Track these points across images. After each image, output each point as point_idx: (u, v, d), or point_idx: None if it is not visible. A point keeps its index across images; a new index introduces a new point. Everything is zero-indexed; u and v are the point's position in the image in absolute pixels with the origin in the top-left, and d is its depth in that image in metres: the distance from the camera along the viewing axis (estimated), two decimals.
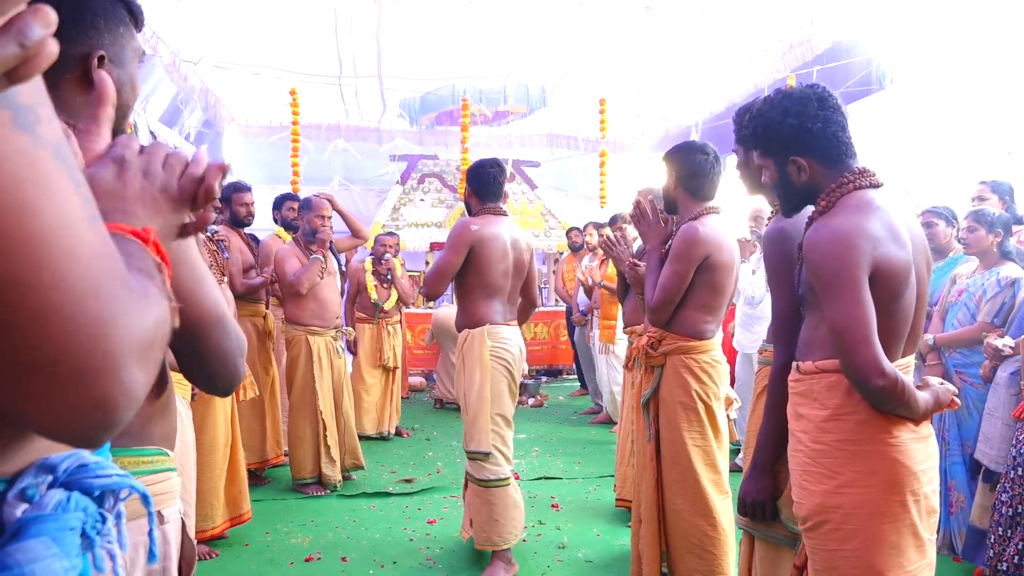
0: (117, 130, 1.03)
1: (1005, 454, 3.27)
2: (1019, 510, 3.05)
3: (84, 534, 0.70)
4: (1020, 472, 3.08)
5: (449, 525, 4.32)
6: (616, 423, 6.50)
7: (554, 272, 8.70)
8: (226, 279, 4.23)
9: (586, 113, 10.31)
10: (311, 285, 4.78)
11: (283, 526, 4.31)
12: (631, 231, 5.82)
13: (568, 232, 8.26)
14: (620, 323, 6.06)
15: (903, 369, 1.84)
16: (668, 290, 2.87)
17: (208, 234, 4.24)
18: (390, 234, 6.90)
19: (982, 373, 3.60)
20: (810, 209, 1.95)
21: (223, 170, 0.91)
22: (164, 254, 0.78)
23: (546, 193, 10.53)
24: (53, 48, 0.51)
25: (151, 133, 6.74)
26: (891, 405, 1.72)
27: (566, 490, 4.99)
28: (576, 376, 8.99)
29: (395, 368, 6.57)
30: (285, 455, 5.13)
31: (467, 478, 3.71)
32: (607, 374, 6.61)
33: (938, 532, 3.64)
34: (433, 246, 9.51)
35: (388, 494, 4.93)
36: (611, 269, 6.08)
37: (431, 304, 8.99)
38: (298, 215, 5.05)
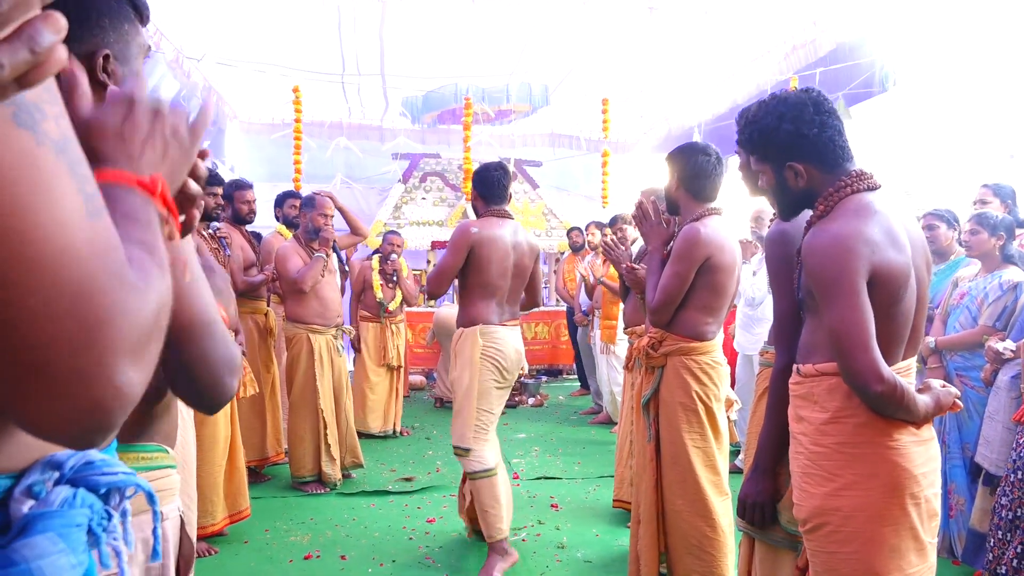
0: None
1: (1005, 457, 3.27)
2: (1019, 514, 3.05)
3: (90, 531, 0.70)
4: (1020, 476, 3.08)
5: (449, 524, 4.32)
6: (616, 423, 6.51)
7: (555, 272, 8.71)
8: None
9: (588, 113, 10.32)
10: (314, 283, 4.78)
11: (282, 524, 4.31)
12: (632, 232, 5.82)
13: (569, 232, 8.26)
14: (621, 323, 6.06)
15: (904, 372, 1.84)
16: (669, 291, 2.87)
17: (211, 231, 4.24)
18: (397, 234, 6.89)
19: (983, 376, 3.60)
20: (810, 212, 1.94)
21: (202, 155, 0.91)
22: (171, 204, 0.78)
23: (548, 193, 10.53)
24: (62, 53, 0.51)
25: None
26: (891, 410, 1.72)
27: (566, 490, 4.99)
28: (576, 376, 8.99)
29: (399, 367, 6.58)
30: (285, 453, 5.13)
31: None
32: (607, 374, 6.61)
33: (938, 535, 3.65)
34: (434, 245, 9.51)
35: (388, 492, 4.94)
36: (613, 268, 6.08)
37: (432, 303, 8.99)
38: (299, 213, 5.04)
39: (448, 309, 7.43)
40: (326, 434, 4.83)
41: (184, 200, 0.87)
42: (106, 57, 1.01)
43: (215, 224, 4.30)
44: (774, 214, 2.46)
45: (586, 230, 7.57)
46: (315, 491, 4.86)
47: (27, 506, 0.67)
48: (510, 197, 3.90)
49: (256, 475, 5.00)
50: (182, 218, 0.88)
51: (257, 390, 4.40)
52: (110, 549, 0.73)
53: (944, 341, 3.83)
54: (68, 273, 0.55)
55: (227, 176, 5.52)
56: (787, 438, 1.97)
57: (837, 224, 1.77)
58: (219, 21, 7.21)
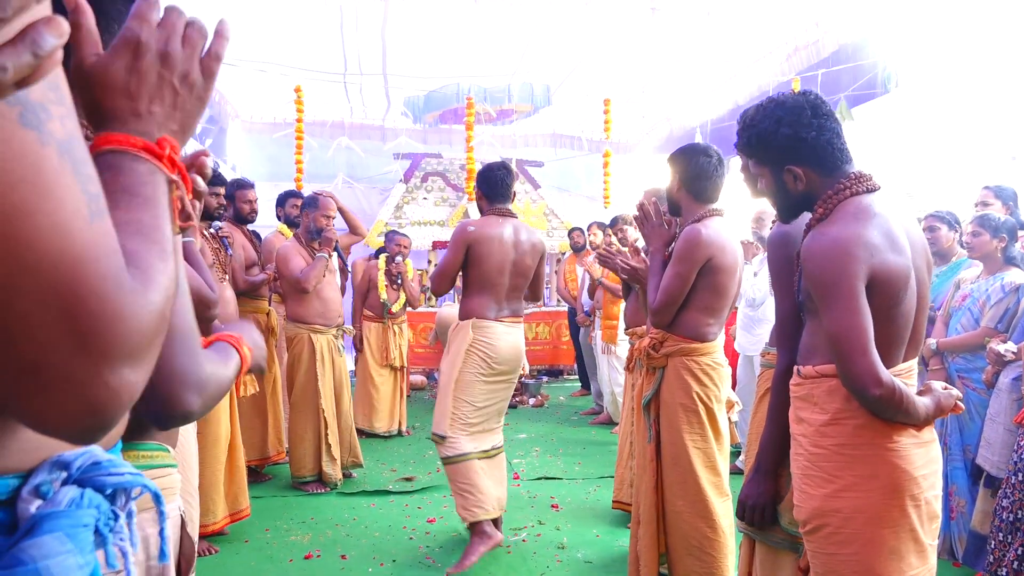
0: None
1: (1006, 459, 3.27)
2: (1020, 516, 3.05)
3: (97, 531, 0.70)
4: (1021, 478, 3.08)
5: (449, 523, 4.32)
6: (617, 424, 6.51)
7: (556, 272, 8.71)
8: (227, 276, 4.23)
9: (590, 113, 10.32)
10: (316, 283, 4.78)
11: (283, 523, 4.32)
12: (632, 232, 5.83)
13: (570, 232, 8.26)
14: (622, 324, 6.06)
15: (905, 374, 1.84)
16: (670, 292, 2.87)
17: (212, 231, 4.24)
18: (404, 235, 6.89)
19: (984, 378, 3.60)
20: (810, 214, 1.95)
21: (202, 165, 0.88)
22: (182, 167, 0.75)
23: (549, 193, 10.53)
24: (59, 55, 0.52)
25: None
26: (890, 413, 1.73)
27: (566, 490, 4.99)
28: (577, 376, 8.99)
29: (402, 367, 6.59)
30: (286, 452, 5.13)
31: None
32: (608, 375, 6.61)
33: (939, 537, 3.65)
34: (435, 245, 9.51)
35: (388, 492, 4.94)
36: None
37: (433, 303, 9.00)
38: (301, 212, 5.03)
39: (450, 308, 7.43)
40: (327, 434, 4.83)
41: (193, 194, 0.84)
42: None
43: (217, 224, 4.30)
44: (776, 215, 2.47)
45: (587, 230, 7.57)
46: (315, 491, 4.86)
47: (34, 506, 0.67)
48: (514, 196, 3.97)
49: (256, 474, 5.00)
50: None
51: (257, 389, 4.40)
52: (116, 549, 0.73)
53: (946, 343, 3.83)
54: (64, 277, 0.55)
55: (229, 175, 5.52)
56: (788, 440, 1.97)
57: (836, 227, 1.77)
58: (220, 19, 7.21)
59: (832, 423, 1.80)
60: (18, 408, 0.58)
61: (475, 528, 3.75)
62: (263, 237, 5.47)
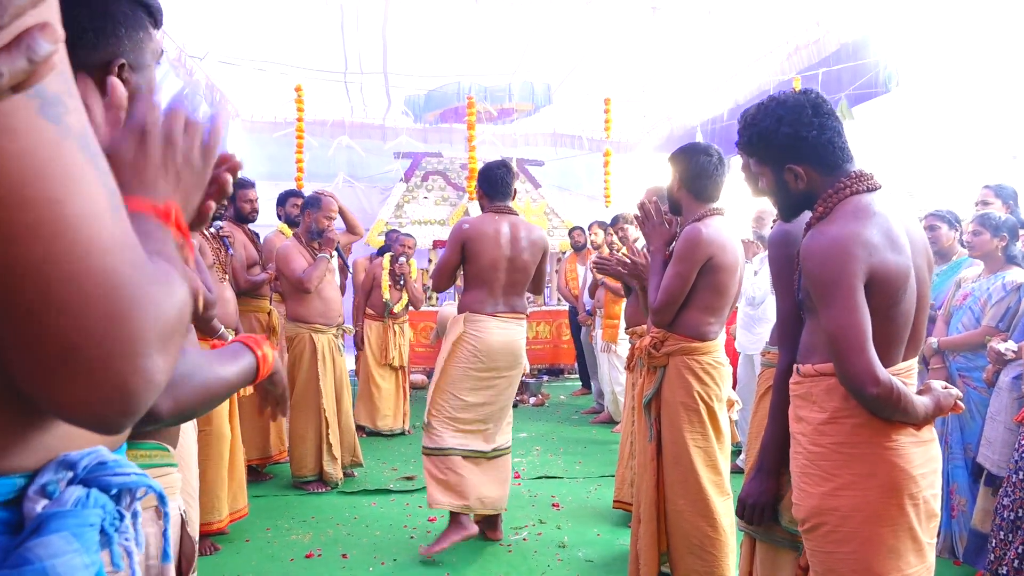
0: None
1: (1007, 458, 3.27)
2: (1021, 514, 3.05)
3: (103, 531, 0.71)
4: (1022, 476, 3.08)
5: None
6: (617, 423, 6.52)
7: (556, 271, 8.71)
8: (227, 276, 4.23)
9: (591, 112, 10.31)
10: (318, 283, 4.79)
11: (284, 522, 4.32)
12: (633, 231, 5.83)
13: (571, 231, 8.26)
14: (623, 323, 6.07)
15: (905, 373, 1.84)
16: (671, 291, 2.88)
17: (213, 230, 4.24)
18: (410, 236, 6.89)
19: (985, 377, 3.60)
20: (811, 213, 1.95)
21: (234, 168, 0.92)
22: (185, 231, 0.80)
23: (550, 192, 10.53)
24: (54, 60, 0.53)
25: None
26: (887, 412, 1.73)
27: (567, 489, 5.00)
28: (578, 375, 8.99)
29: (402, 367, 6.59)
30: (287, 451, 5.13)
31: None
32: (609, 374, 6.62)
33: (939, 536, 3.66)
34: (436, 244, 9.52)
35: (389, 491, 4.94)
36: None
37: (434, 301, 9.00)
38: (302, 212, 5.02)
39: (450, 307, 7.44)
40: (328, 433, 4.84)
41: (200, 218, 0.89)
42: (121, 66, 1.02)
43: (217, 223, 4.30)
44: (776, 215, 2.47)
45: (588, 230, 7.58)
46: (316, 490, 4.87)
47: (40, 505, 0.67)
48: (515, 194, 4.03)
49: (257, 474, 5.01)
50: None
51: None
52: (121, 549, 0.73)
53: (947, 342, 3.83)
54: (96, 263, 0.57)
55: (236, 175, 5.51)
56: (789, 439, 1.97)
57: (835, 226, 1.77)
58: (221, 20, 7.21)
59: (831, 422, 1.80)
60: (49, 396, 0.59)
61: (452, 517, 3.84)
62: (263, 236, 5.46)
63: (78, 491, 0.70)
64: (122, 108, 0.85)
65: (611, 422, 6.79)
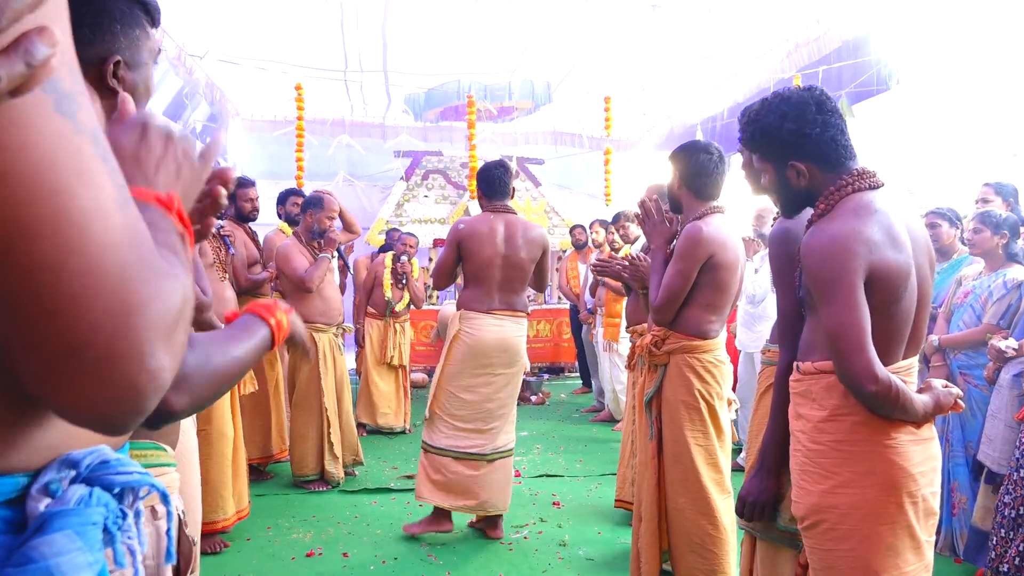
0: None
1: (1008, 456, 3.28)
2: (1021, 512, 3.05)
3: (106, 529, 0.71)
4: (1023, 474, 3.08)
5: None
6: (618, 421, 6.52)
7: (557, 270, 8.71)
8: (228, 275, 4.22)
9: (591, 110, 10.31)
10: (320, 283, 4.79)
11: (284, 521, 4.32)
12: (634, 229, 5.83)
13: (572, 230, 8.26)
14: (624, 321, 6.07)
15: (905, 371, 1.84)
16: (672, 289, 2.88)
17: (214, 230, 4.24)
18: (412, 235, 6.89)
19: (986, 375, 3.61)
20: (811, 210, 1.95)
21: (226, 181, 0.93)
22: (187, 222, 0.80)
23: (550, 191, 10.52)
24: (53, 64, 0.53)
25: None
26: (886, 409, 1.73)
27: (567, 488, 5.00)
28: (578, 374, 8.99)
29: (403, 366, 6.60)
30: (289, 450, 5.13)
31: None
32: (610, 372, 6.62)
33: (940, 533, 3.66)
34: (436, 242, 9.51)
35: (390, 490, 4.94)
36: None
37: (434, 300, 9.00)
38: (303, 211, 5.01)
39: (451, 306, 7.42)
40: (329, 433, 4.84)
41: (202, 233, 0.92)
42: (117, 63, 1.02)
43: (218, 222, 4.30)
44: (777, 212, 2.47)
45: (590, 228, 7.58)
46: (317, 489, 4.87)
47: (43, 504, 0.67)
48: (513, 192, 4.08)
49: (259, 472, 5.01)
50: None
51: (256, 387, 4.39)
52: (124, 548, 0.73)
53: (947, 339, 3.83)
54: (108, 258, 0.57)
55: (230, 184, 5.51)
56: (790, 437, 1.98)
57: (835, 224, 1.77)
58: (221, 18, 7.21)
59: (830, 419, 1.80)
60: (54, 395, 0.59)
61: (435, 508, 4.00)
62: (264, 235, 5.46)
63: (81, 490, 0.70)
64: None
65: (612, 420, 6.79)
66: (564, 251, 9.04)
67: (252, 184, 5.00)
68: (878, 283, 1.73)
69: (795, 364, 1.94)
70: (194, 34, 7.41)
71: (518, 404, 7.69)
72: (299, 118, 9.01)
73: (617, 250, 6.21)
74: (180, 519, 1.34)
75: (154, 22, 1.09)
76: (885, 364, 1.73)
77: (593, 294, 6.98)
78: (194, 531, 1.95)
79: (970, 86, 6.27)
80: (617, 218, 6.14)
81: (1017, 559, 2.98)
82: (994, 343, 3.46)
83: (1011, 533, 3.07)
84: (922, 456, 1.79)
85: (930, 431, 1.84)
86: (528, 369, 4.20)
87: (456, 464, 3.93)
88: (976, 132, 6.40)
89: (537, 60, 8.79)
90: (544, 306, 9.50)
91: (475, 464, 3.94)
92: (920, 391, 1.83)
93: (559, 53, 8.52)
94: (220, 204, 0.92)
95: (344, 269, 6.23)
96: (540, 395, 8.11)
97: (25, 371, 0.58)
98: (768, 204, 4.29)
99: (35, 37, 0.51)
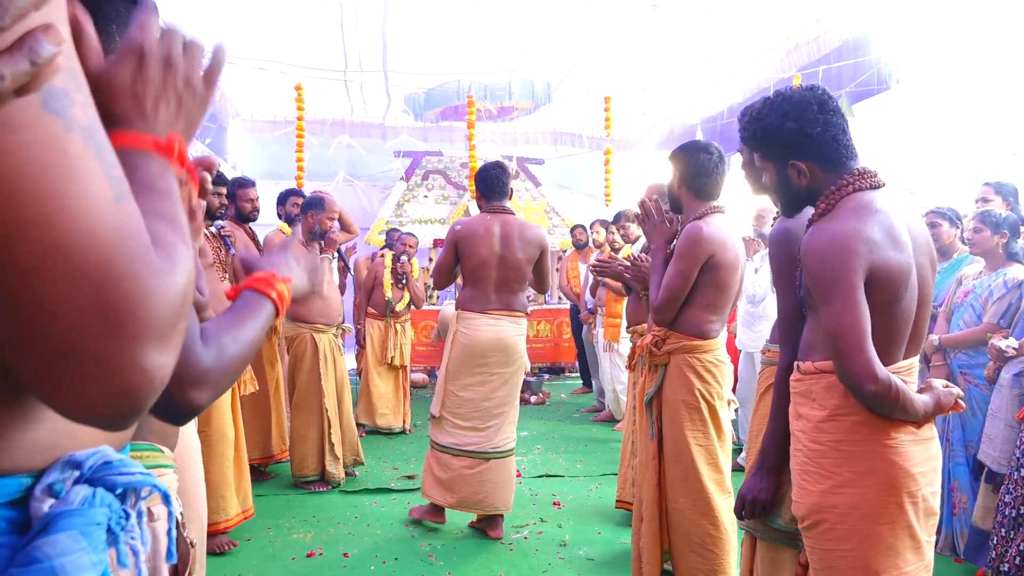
0: None
1: (1008, 455, 3.28)
2: (1022, 511, 3.05)
3: (109, 529, 0.71)
4: (1023, 473, 3.08)
5: (451, 522, 4.32)
6: (618, 421, 6.52)
7: (557, 270, 8.71)
8: (228, 276, 4.22)
9: (591, 110, 10.30)
10: (321, 284, 4.79)
11: (285, 521, 4.32)
12: (635, 229, 5.83)
13: (573, 230, 8.26)
14: (625, 321, 6.07)
15: (906, 371, 1.84)
16: (672, 289, 2.88)
17: (215, 230, 4.24)
18: (411, 235, 6.89)
19: (986, 374, 3.60)
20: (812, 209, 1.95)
21: (210, 166, 0.90)
22: (190, 166, 0.78)
23: (550, 191, 10.52)
24: (58, 62, 0.52)
25: None
26: (886, 409, 1.73)
27: (568, 488, 5.00)
28: (578, 374, 8.99)
29: (403, 366, 6.60)
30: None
31: None
32: (610, 372, 6.62)
33: (940, 533, 3.66)
34: (436, 243, 9.52)
35: (390, 490, 4.94)
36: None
37: (435, 300, 9.00)
38: (303, 212, 4.99)
39: (451, 307, 7.42)
40: (330, 433, 4.84)
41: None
42: None
43: (219, 223, 4.29)
44: (777, 212, 2.47)
45: (591, 228, 7.58)
46: (318, 489, 4.87)
47: (47, 505, 0.67)
48: (511, 193, 4.13)
49: (259, 473, 5.00)
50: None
51: (256, 387, 4.39)
52: (128, 548, 0.73)
53: (948, 339, 3.83)
54: (94, 259, 0.56)
55: (230, 174, 5.51)
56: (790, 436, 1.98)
57: (835, 223, 1.77)
58: (221, 18, 7.21)
59: (830, 419, 1.81)
60: (51, 395, 0.59)
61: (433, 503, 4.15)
62: (264, 236, 5.45)
63: (84, 490, 0.70)
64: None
65: (612, 420, 6.79)
66: (564, 251, 9.05)
67: (252, 184, 4.99)
68: (878, 283, 1.73)
69: (795, 364, 1.94)
70: (194, 34, 7.39)
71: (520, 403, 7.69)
72: (299, 118, 9.01)
73: (617, 250, 6.21)
74: (178, 520, 1.34)
75: None
76: (885, 364, 1.73)
77: (593, 294, 6.98)
78: (195, 533, 1.95)
79: (970, 85, 6.27)
80: (618, 217, 6.13)
81: (1018, 558, 2.98)
82: (994, 342, 3.46)
83: (1012, 532, 3.07)
84: (922, 456, 1.79)
85: (930, 431, 1.84)
86: (528, 369, 4.23)
87: (456, 461, 4.00)
88: (976, 131, 6.39)
89: (537, 60, 8.78)
90: (544, 306, 9.50)
91: (473, 462, 3.98)
92: (920, 391, 1.83)
93: (559, 53, 8.52)
94: (203, 188, 0.90)
95: (344, 270, 6.22)
96: (540, 395, 8.11)
97: (24, 372, 0.58)
98: (768, 204, 4.29)
99: (40, 35, 0.50)
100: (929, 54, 6.35)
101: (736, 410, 3.24)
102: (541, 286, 4.25)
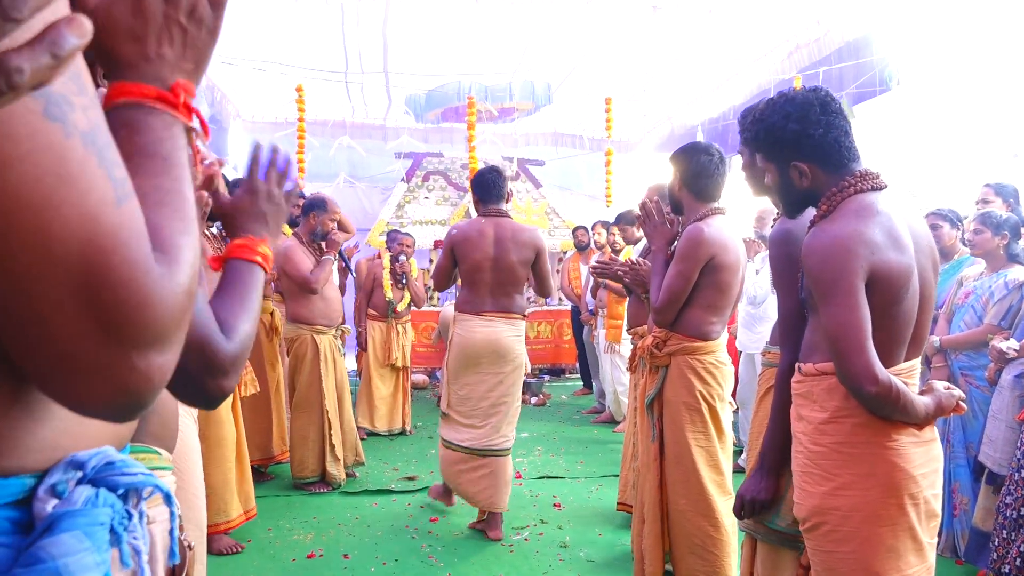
0: None
1: (1009, 457, 3.27)
2: (1022, 513, 3.05)
3: (112, 530, 0.71)
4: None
5: (451, 523, 4.32)
6: (619, 422, 6.52)
7: (558, 271, 8.71)
8: None
9: (592, 112, 10.30)
10: (324, 285, 4.81)
11: (285, 523, 4.32)
12: (635, 231, 5.83)
13: (575, 231, 8.27)
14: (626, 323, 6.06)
15: (907, 373, 1.84)
16: (673, 290, 2.88)
17: (216, 231, 4.23)
18: (407, 234, 6.89)
19: (987, 376, 3.60)
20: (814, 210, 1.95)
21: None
22: (198, 111, 0.74)
23: (551, 192, 10.53)
24: (79, 55, 0.52)
25: None
26: (887, 411, 1.73)
27: (568, 489, 5.00)
28: (579, 375, 8.99)
29: (405, 367, 6.59)
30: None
31: None
32: (611, 374, 6.61)
33: (941, 535, 3.65)
34: (436, 244, 9.51)
35: (390, 492, 4.94)
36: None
37: (435, 302, 9.00)
38: (304, 213, 4.99)
39: (451, 308, 7.42)
40: (330, 434, 4.84)
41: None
42: None
43: (219, 223, 4.28)
44: (777, 214, 2.47)
45: (592, 229, 7.58)
46: (318, 490, 4.86)
47: (50, 505, 0.68)
48: (509, 196, 4.20)
49: (259, 474, 5.00)
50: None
51: (258, 389, 4.39)
52: (130, 548, 0.74)
53: (949, 340, 3.83)
54: (92, 266, 0.56)
55: (231, 175, 5.51)
56: (791, 438, 1.97)
57: (836, 225, 1.77)
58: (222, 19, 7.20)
59: (831, 421, 1.80)
60: (57, 393, 0.60)
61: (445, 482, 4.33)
62: None
63: (87, 491, 0.70)
64: None
65: (612, 422, 6.79)
66: (566, 252, 9.05)
67: None
68: (879, 284, 1.73)
69: (797, 365, 1.94)
70: None
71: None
72: (300, 119, 9.01)
73: (618, 252, 6.21)
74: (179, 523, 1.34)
75: None
76: (887, 366, 1.73)
77: (594, 295, 6.98)
78: (194, 535, 1.94)
79: (970, 87, 6.27)
80: (620, 219, 6.13)
81: (1018, 560, 2.98)
82: (995, 344, 3.46)
83: (1012, 534, 3.07)
84: (924, 458, 1.78)
85: (932, 433, 1.83)
86: (529, 370, 4.27)
87: (453, 455, 4.13)
88: (976, 133, 6.39)
89: (538, 61, 8.78)
90: (545, 307, 9.50)
91: (466, 458, 4.08)
92: (922, 393, 1.83)
93: (560, 54, 8.51)
94: (213, 182, 0.90)
95: (345, 271, 6.22)
96: (541, 396, 8.10)
97: (31, 371, 0.59)
98: (769, 205, 4.29)
99: (64, 27, 0.48)
100: (930, 56, 6.35)
101: (736, 412, 3.24)
102: (542, 290, 4.26)
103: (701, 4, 6.96)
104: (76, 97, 0.58)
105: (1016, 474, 3.11)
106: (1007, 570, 3.02)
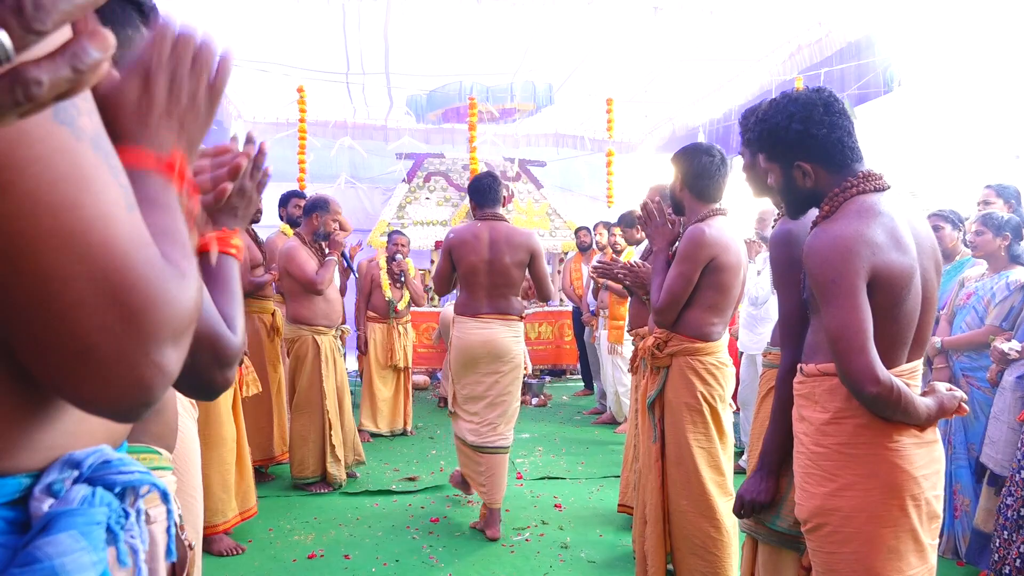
0: None
1: (1010, 458, 3.27)
2: (1023, 513, 3.04)
3: (109, 529, 0.72)
4: None
5: (452, 523, 4.32)
6: (620, 423, 6.52)
7: (559, 272, 8.71)
8: None
9: (593, 113, 10.30)
10: (328, 285, 4.81)
11: (286, 523, 4.32)
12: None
13: (577, 231, 8.27)
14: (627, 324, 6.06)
15: (909, 374, 1.83)
16: (674, 291, 2.88)
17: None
18: (402, 234, 6.90)
19: (989, 377, 3.60)
20: (816, 211, 1.95)
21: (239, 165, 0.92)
22: (191, 181, 0.79)
23: (552, 193, 10.53)
24: (103, 68, 0.50)
25: None
26: (888, 412, 1.72)
27: (569, 490, 4.99)
28: (580, 376, 8.98)
29: (406, 368, 6.59)
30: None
31: None
32: (613, 375, 6.61)
33: (942, 536, 3.65)
34: (437, 245, 9.52)
35: (391, 492, 4.94)
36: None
37: (435, 302, 9.00)
38: (306, 214, 4.99)
39: (451, 309, 7.42)
40: (331, 435, 4.83)
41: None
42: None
43: None
44: (778, 214, 2.47)
45: (594, 230, 7.57)
46: (319, 490, 4.86)
47: (47, 504, 0.68)
48: (509, 198, 4.17)
49: (260, 474, 5.00)
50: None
51: (260, 389, 4.39)
52: (127, 547, 0.74)
53: (950, 341, 3.82)
54: (114, 264, 0.58)
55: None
56: (792, 439, 1.97)
57: (838, 225, 1.77)
58: (223, 20, 7.21)
59: (833, 422, 1.80)
60: (72, 390, 0.61)
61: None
62: (266, 238, 5.45)
63: (84, 490, 0.71)
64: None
65: (613, 423, 6.78)
66: (567, 253, 9.04)
67: None
68: (881, 285, 1.73)
69: (799, 366, 1.94)
70: (207, 35, 7.40)
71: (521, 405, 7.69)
72: (301, 120, 9.02)
73: (619, 252, 6.21)
74: (176, 522, 1.34)
75: (147, 21, 1.08)
76: (888, 367, 1.73)
77: (596, 296, 6.98)
78: (193, 536, 1.94)
79: (972, 88, 6.27)
80: (621, 220, 6.13)
81: (1019, 561, 2.97)
82: (997, 345, 3.46)
83: (1013, 535, 3.06)
84: (925, 459, 1.78)
85: (933, 434, 1.83)
86: (529, 371, 4.30)
87: (465, 448, 4.20)
88: (978, 134, 6.39)
89: (539, 62, 8.78)
90: (546, 308, 9.50)
91: (467, 452, 4.17)
92: (924, 394, 1.82)
93: (561, 55, 8.51)
94: (236, 174, 0.93)
95: (347, 271, 6.21)
96: (542, 397, 8.10)
97: (44, 370, 0.60)
98: (770, 206, 4.29)
99: (87, 41, 0.48)
100: (931, 57, 6.34)
101: (737, 413, 3.24)
102: (541, 293, 4.28)
103: (702, 5, 6.96)
104: (81, 102, 0.59)
105: (1016, 475, 3.11)
106: (1007, 571, 3.02)
